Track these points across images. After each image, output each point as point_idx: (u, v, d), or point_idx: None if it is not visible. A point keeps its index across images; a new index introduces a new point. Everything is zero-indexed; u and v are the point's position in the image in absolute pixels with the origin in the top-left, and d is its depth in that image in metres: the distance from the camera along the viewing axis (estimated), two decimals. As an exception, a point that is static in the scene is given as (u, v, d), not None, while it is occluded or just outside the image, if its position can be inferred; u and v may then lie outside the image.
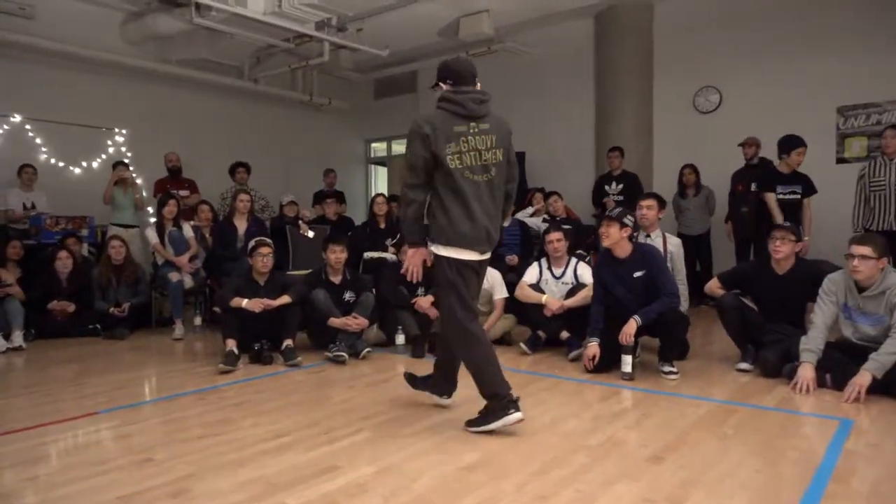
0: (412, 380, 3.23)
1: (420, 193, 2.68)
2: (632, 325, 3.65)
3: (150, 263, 6.14)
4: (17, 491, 2.24)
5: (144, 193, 7.05)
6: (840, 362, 3.40)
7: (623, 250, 3.85)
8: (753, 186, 5.93)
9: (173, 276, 5.42)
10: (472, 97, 2.69)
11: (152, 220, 6.81)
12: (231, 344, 4.17)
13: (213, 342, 5.18)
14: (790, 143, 5.59)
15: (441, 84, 2.76)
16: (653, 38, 7.76)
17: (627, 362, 3.68)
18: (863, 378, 3.17)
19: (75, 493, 2.20)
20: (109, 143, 7.63)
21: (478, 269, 2.82)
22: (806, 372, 3.36)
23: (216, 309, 5.28)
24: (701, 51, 7.43)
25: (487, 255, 2.83)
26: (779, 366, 3.66)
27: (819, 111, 6.70)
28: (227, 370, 3.99)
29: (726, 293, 3.97)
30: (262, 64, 8.98)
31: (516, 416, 2.68)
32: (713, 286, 4.10)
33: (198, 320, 5.72)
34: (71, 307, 5.37)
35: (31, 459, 2.54)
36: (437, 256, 2.74)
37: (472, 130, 2.66)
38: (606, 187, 7.00)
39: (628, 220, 3.81)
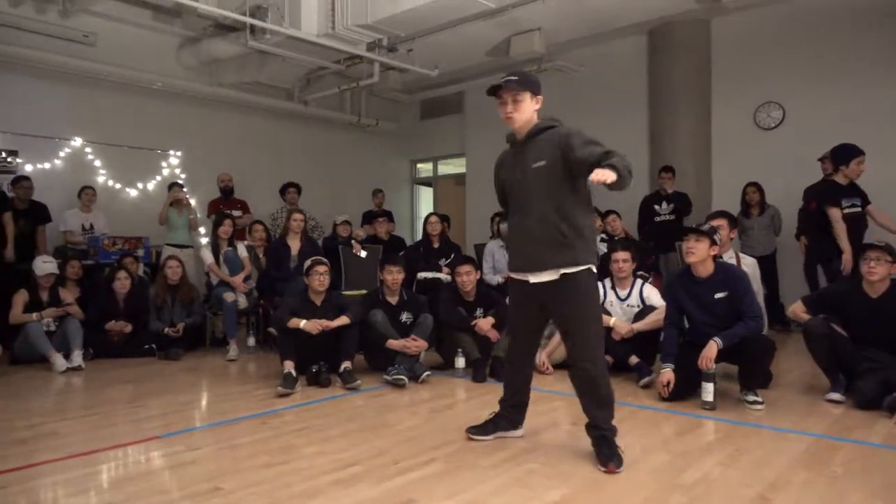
0: (480, 431, 2.97)
1: None
2: (712, 349, 3.42)
3: (204, 283, 6.14)
4: (85, 520, 2.14)
5: (198, 214, 7.10)
6: (950, 395, 3.11)
7: (706, 269, 3.63)
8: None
9: (228, 297, 5.39)
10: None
11: (204, 240, 6.85)
12: (289, 366, 4.07)
13: (266, 363, 5.11)
14: (849, 153, 5.27)
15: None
16: (710, 53, 7.54)
17: (709, 390, 3.44)
18: None
19: (144, 524, 2.09)
20: (164, 164, 7.74)
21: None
22: None
23: (271, 330, 5.21)
24: (761, 66, 7.18)
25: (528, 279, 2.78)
26: (877, 397, 3.36)
27: (889, 123, 6.37)
28: (285, 393, 3.88)
29: (813, 317, 3.70)
30: (312, 86, 9.07)
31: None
32: (798, 310, 3.83)
33: (251, 341, 5.66)
34: (128, 327, 5.38)
35: (93, 487, 2.45)
36: (579, 273, 2.60)
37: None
38: (656, 206, 6.78)
39: (718, 237, 3.61)
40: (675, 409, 3.52)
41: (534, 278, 2.67)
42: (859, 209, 5.31)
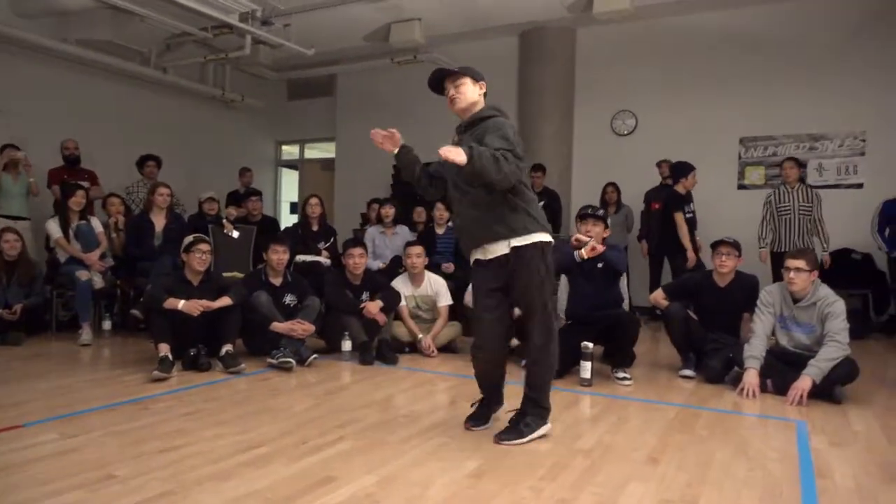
0: (478, 422, 2.86)
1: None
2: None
3: (45, 260, 5.47)
4: (-45, 518, 1.86)
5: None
6: (779, 369, 3.65)
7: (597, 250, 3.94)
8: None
9: (82, 275, 4.85)
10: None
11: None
12: (164, 349, 3.77)
13: (126, 348, 4.70)
14: (687, 168, 6.11)
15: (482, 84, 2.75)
16: (575, 61, 8.08)
17: (587, 368, 3.75)
18: (804, 382, 3.42)
19: (34, 517, 1.87)
20: (-5, 123, 6.73)
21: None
22: (751, 378, 3.58)
23: (134, 312, 4.79)
24: (619, 77, 7.83)
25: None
26: (722, 372, 3.87)
27: (723, 141, 7.28)
28: (161, 377, 3.60)
29: (672, 303, 4.15)
30: (172, 52, 8.37)
31: (549, 426, 2.74)
32: (658, 297, 4.28)
33: (107, 324, 5.14)
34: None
35: (-44, 480, 2.13)
36: (525, 247, 2.57)
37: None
38: (526, 204, 7.15)
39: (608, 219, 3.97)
40: (556, 385, 3.75)
41: (485, 255, 2.66)
42: (693, 214, 6.11)
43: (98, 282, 5.03)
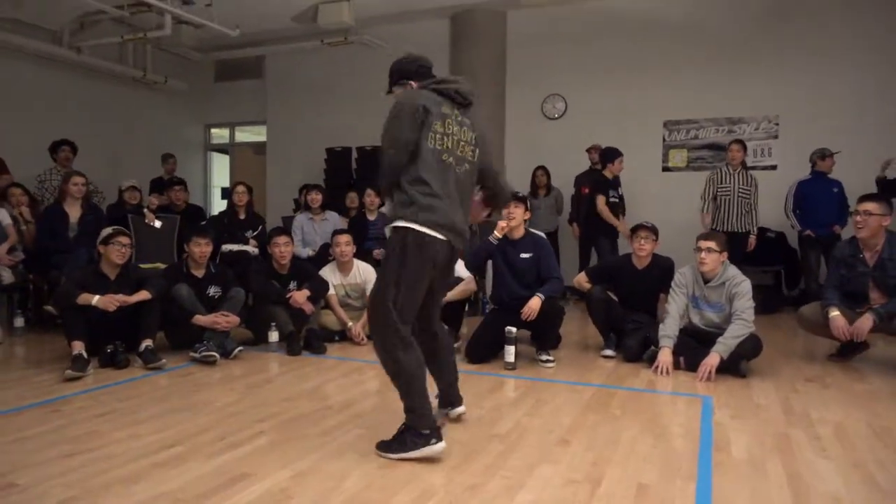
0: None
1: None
2: (536, 302, 3.85)
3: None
4: None
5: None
6: (691, 347, 3.84)
7: (519, 233, 4.02)
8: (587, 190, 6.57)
9: (-11, 270, 4.61)
10: (460, 86, 2.46)
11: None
12: (78, 347, 3.64)
13: (41, 346, 4.50)
14: (614, 153, 6.30)
15: (403, 86, 2.54)
16: (506, 44, 8.12)
17: (511, 352, 3.84)
18: (712, 359, 3.61)
19: (-78, 533, 1.79)
20: None
21: (435, 258, 2.38)
22: (665, 356, 3.75)
23: (48, 308, 4.58)
24: (549, 61, 7.93)
25: (454, 245, 2.44)
26: (639, 351, 4.04)
27: (649, 124, 7.51)
28: (75, 376, 3.48)
29: (594, 286, 4.29)
30: (86, 31, 7.96)
31: (439, 446, 2.32)
32: (581, 280, 4.41)
33: (19, 321, 4.91)
34: None
35: None
36: (394, 229, 2.38)
37: (456, 118, 2.44)
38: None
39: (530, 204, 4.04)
40: (482, 370, 3.86)
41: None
42: (617, 199, 6.31)
43: (7, 277, 4.79)
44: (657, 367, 3.73)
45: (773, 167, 7.08)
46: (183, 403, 3.12)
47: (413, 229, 2.33)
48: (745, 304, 3.74)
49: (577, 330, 5.21)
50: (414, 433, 2.33)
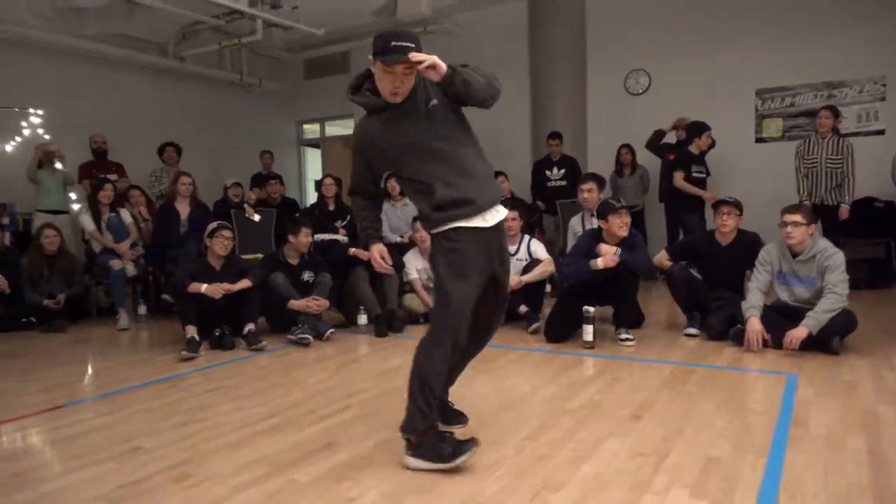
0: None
1: None
2: (608, 250, 3.86)
3: (83, 251, 5.82)
4: (4, 486, 2.13)
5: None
6: (779, 323, 3.71)
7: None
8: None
9: (115, 264, 5.17)
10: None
11: (75, 205, 6.43)
12: (191, 331, 4.06)
13: (161, 331, 5.01)
14: (701, 127, 6.03)
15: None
16: (585, 22, 7.99)
17: (588, 331, 3.88)
18: (800, 331, 3.50)
19: (69, 485, 2.13)
20: (24, 124, 7.07)
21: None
22: (754, 325, 3.64)
23: (165, 296, 5.09)
24: (631, 35, 7.73)
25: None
26: (724, 329, 3.95)
27: (739, 94, 7.17)
28: (189, 357, 3.89)
29: (674, 264, 4.23)
30: (188, 41, 8.60)
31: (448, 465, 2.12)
32: (662, 258, 4.35)
33: (142, 309, 5.49)
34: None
35: (5, 456, 2.42)
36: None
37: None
38: (547, 172, 7.19)
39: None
40: (560, 349, 3.93)
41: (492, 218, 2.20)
42: (703, 175, 6.05)
43: (130, 270, 5.36)
44: (748, 340, 3.63)
45: (881, 132, 6.58)
46: (280, 380, 3.42)
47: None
48: (837, 276, 3.57)
49: (661, 309, 5.14)
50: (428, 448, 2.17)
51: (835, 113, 5.62)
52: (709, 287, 4.21)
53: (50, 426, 2.77)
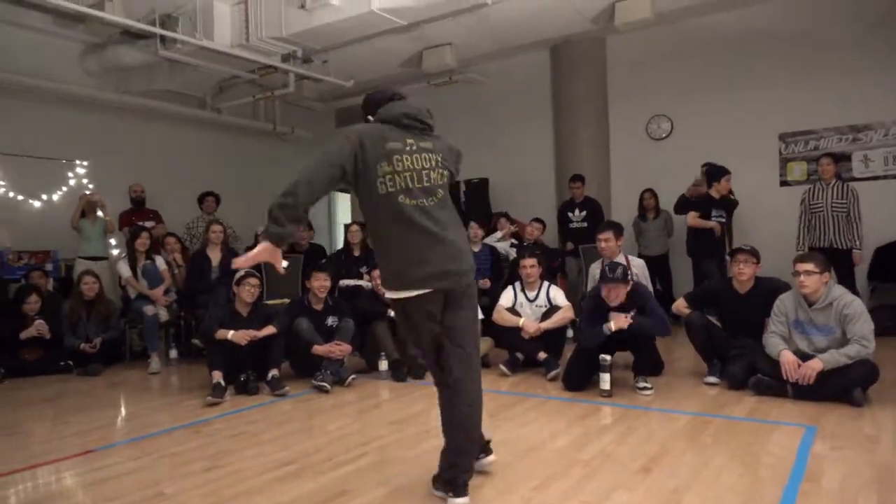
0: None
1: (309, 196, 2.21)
2: (625, 318, 3.90)
3: (120, 297, 6.07)
4: (35, 531, 2.25)
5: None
6: (797, 372, 3.68)
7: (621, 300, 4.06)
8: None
9: (149, 310, 5.39)
10: (407, 108, 2.35)
11: (114, 251, 6.74)
12: (217, 376, 4.19)
13: (190, 375, 5.17)
14: (720, 172, 6.08)
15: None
16: (606, 69, 8.16)
17: (605, 380, 3.89)
18: (814, 363, 3.51)
19: (95, 529, 2.23)
20: (70, 175, 7.50)
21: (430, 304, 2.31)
22: (788, 356, 3.62)
23: (195, 341, 5.27)
24: (652, 81, 7.86)
25: (448, 283, 2.31)
26: (744, 378, 3.92)
27: (763, 138, 7.19)
28: (215, 402, 4.01)
29: (692, 312, 4.23)
30: (225, 94, 9.02)
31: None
32: (680, 305, 4.37)
33: (173, 353, 5.68)
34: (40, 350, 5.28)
35: (39, 499, 2.55)
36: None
37: (410, 147, 2.29)
38: (570, 214, 7.28)
39: (630, 276, 4.09)
40: (577, 397, 3.94)
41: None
42: (723, 220, 6.07)
43: (163, 315, 5.57)
44: (786, 371, 3.59)
45: (909, 175, 6.51)
46: (301, 426, 3.51)
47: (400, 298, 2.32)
48: (863, 327, 3.53)
49: (684, 356, 5.10)
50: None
51: (835, 159, 5.78)
52: (729, 335, 4.19)
53: (81, 470, 2.90)
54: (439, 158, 2.36)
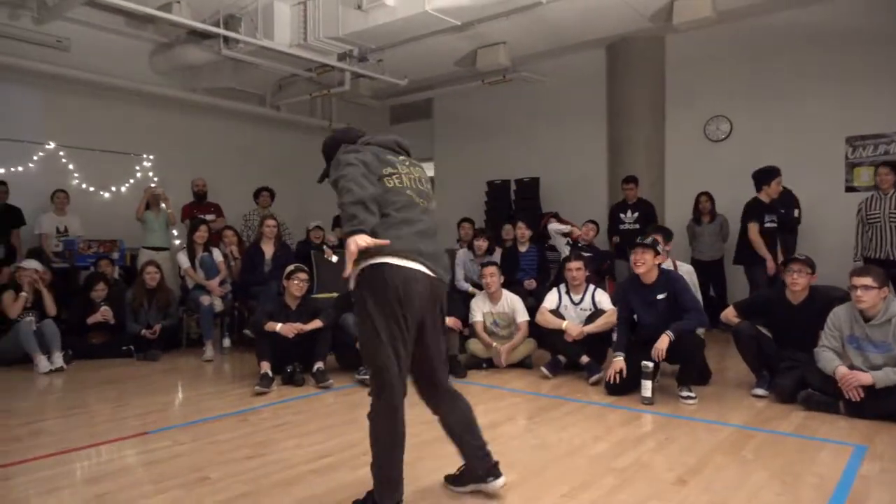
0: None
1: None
2: (664, 341, 3.85)
3: (179, 286, 6.35)
4: (89, 507, 2.41)
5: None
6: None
7: (651, 277, 4.04)
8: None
9: (204, 300, 5.63)
10: (398, 138, 2.48)
11: (175, 242, 7.06)
12: (265, 367, 4.35)
13: (241, 363, 5.37)
14: (769, 174, 5.74)
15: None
16: (664, 68, 7.98)
17: (647, 387, 3.84)
18: (864, 376, 3.37)
19: (143, 509, 2.38)
20: (137, 168, 7.89)
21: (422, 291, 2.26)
22: (843, 371, 3.49)
23: (246, 332, 5.47)
24: (711, 81, 7.64)
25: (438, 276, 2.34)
26: (794, 392, 3.79)
27: (827, 141, 6.89)
28: (262, 392, 4.17)
29: (742, 321, 4.12)
30: (283, 91, 9.28)
31: None
32: (729, 314, 4.25)
33: (226, 342, 5.91)
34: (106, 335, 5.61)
35: (91, 478, 2.72)
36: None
37: (402, 162, 2.40)
38: (622, 215, 7.17)
39: (661, 248, 4.03)
40: (618, 403, 3.90)
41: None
42: (775, 225, 5.75)
43: (218, 305, 5.81)
44: (845, 386, 3.46)
45: None
46: (342, 419, 3.61)
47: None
48: (922, 345, 3.38)
49: (734, 365, 4.96)
50: None
51: (894, 169, 5.45)
52: (779, 346, 4.06)
53: (137, 450, 3.08)
54: (425, 178, 2.49)
